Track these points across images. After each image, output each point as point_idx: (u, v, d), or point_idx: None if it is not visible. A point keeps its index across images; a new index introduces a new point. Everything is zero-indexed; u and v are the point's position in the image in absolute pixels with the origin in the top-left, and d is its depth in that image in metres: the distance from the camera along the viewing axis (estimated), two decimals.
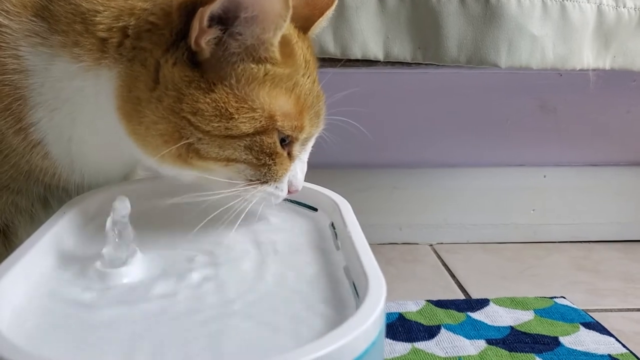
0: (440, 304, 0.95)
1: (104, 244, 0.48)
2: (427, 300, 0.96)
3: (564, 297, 0.98)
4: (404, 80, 1.18)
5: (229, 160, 0.54)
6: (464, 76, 1.17)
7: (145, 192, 0.62)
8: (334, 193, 0.62)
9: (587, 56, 0.98)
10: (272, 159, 0.56)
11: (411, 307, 0.94)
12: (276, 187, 0.57)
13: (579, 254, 1.21)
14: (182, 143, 0.53)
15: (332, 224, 0.58)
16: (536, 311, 0.93)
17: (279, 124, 0.54)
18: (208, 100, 0.52)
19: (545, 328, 0.88)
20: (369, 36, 0.92)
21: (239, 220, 0.55)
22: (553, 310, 0.94)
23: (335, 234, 0.56)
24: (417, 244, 1.24)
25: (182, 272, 0.49)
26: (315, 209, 0.62)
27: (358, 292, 0.45)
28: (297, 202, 0.63)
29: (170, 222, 0.59)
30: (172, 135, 0.53)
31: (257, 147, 0.54)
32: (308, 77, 0.58)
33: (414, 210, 1.24)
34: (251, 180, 0.56)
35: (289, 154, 0.58)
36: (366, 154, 1.21)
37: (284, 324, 0.42)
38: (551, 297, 0.98)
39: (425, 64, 1.12)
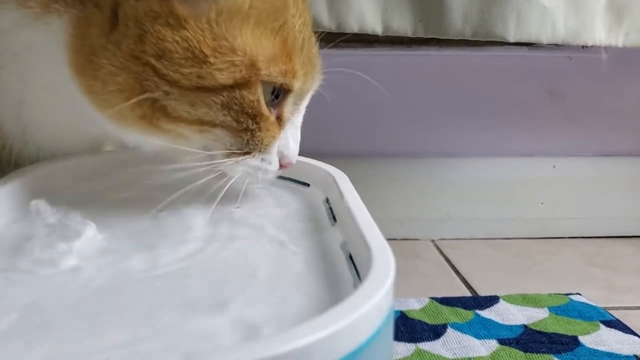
0: (446, 301, 0.87)
1: (47, 222, 0.40)
2: (431, 298, 0.88)
3: (580, 294, 0.91)
4: (403, 63, 1.10)
5: (202, 122, 0.46)
6: (468, 59, 1.10)
7: (102, 166, 0.54)
8: (329, 165, 0.53)
9: (599, 32, 0.92)
10: (256, 123, 0.47)
11: (414, 304, 0.86)
12: (262, 159, 0.49)
13: (590, 249, 1.13)
14: (144, 97, 0.44)
15: (327, 200, 0.50)
16: (551, 309, 0.85)
17: (263, 72, 0.46)
18: (177, 38, 0.43)
19: (562, 327, 0.80)
20: (367, 8, 0.85)
21: (217, 200, 0.47)
22: (569, 308, 0.86)
23: (331, 210, 0.48)
24: (417, 239, 1.15)
25: (141, 255, 0.40)
26: (307, 185, 0.54)
27: (359, 272, 0.36)
28: (286, 178, 0.55)
29: (132, 201, 0.50)
30: (132, 89, 0.44)
31: (236, 105, 0.46)
32: (299, 17, 0.50)
33: (414, 203, 1.16)
34: (231, 151, 0.48)
35: (279, 119, 0.50)
36: (361, 142, 1.13)
37: (268, 309, 0.33)
38: (566, 294, 0.90)
39: (427, 44, 1.07)
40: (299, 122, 0.53)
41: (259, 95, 0.47)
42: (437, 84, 1.12)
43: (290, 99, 0.51)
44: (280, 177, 0.54)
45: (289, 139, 0.51)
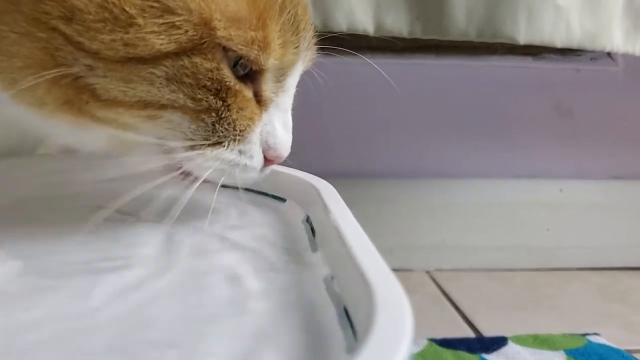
0: (446, 343, 0.76)
1: None
2: (430, 339, 0.76)
3: (598, 334, 0.80)
4: (395, 74, 1.00)
5: (146, 104, 0.34)
6: (466, 69, 1.01)
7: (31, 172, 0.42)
8: (313, 176, 0.42)
9: (617, 36, 0.82)
10: (222, 100, 0.36)
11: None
12: (239, 150, 0.37)
13: (602, 282, 1.03)
14: (58, 72, 0.33)
15: (308, 219, 0.38)
16: (567, 352, 0.74)
17: (220, 34, 0.34)
18: None
19: None
20: (357, 3, 0.74)
21: (175, 214, 0.35)
22: (588, 351, 0.75)
23: (313, 231, 0.36)
24: (411, 270, 1.04)
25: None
26: (282, 200, 0.42)
27: (354, 325, 0.24)
28: (255, 191, 0.43)
29: (59, 214, 0.38)
30: (41, 62, 0.33)
31: (188, 77, 0.34)
32: None
33: (407, 229, 1.05)
34: (194, 142, 0.36)
35: (258, 96, 0.38)
36: (347, 161, 1.03)
37: None
38: (583, 334, 0.79)
39: (422, 52, 0.97)
40: (288, 105, 0.42)
41: (218, 62, 0.35)
42: (433, 97, 1.03)
43: (268, 75, 0.39)
44: (248, 190, 0.42)
45: (274, 124, 0.40)
